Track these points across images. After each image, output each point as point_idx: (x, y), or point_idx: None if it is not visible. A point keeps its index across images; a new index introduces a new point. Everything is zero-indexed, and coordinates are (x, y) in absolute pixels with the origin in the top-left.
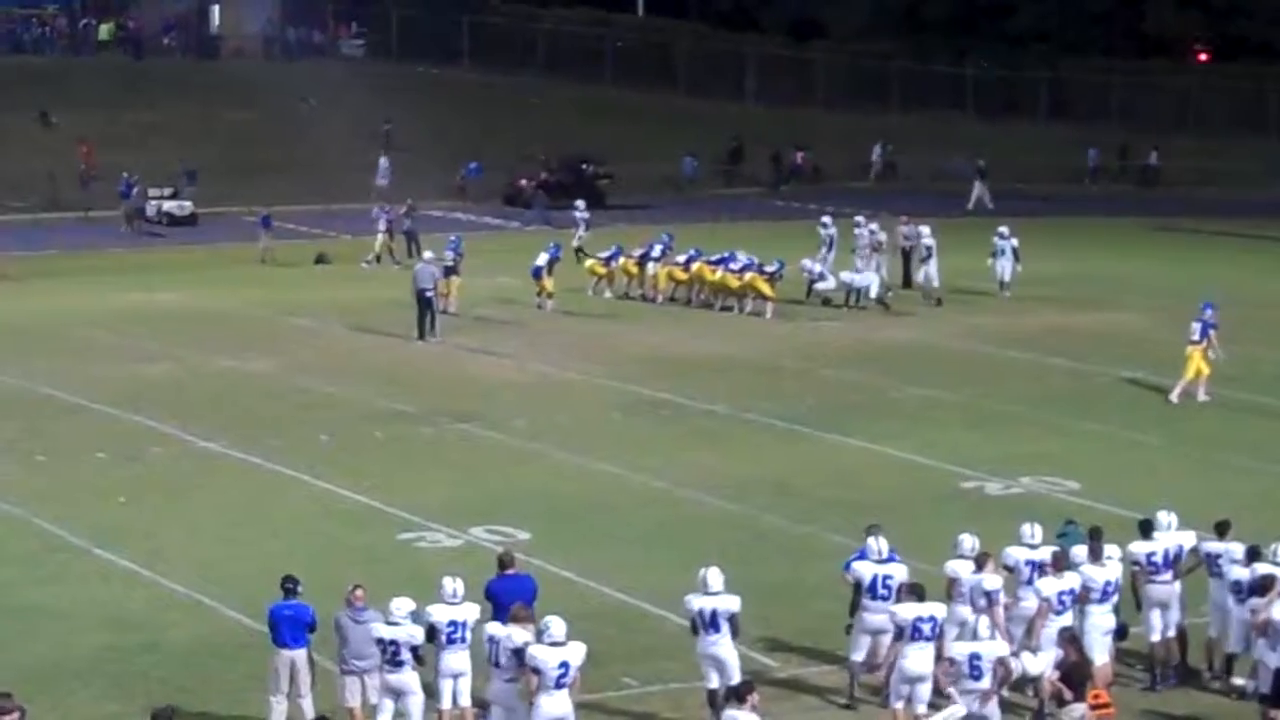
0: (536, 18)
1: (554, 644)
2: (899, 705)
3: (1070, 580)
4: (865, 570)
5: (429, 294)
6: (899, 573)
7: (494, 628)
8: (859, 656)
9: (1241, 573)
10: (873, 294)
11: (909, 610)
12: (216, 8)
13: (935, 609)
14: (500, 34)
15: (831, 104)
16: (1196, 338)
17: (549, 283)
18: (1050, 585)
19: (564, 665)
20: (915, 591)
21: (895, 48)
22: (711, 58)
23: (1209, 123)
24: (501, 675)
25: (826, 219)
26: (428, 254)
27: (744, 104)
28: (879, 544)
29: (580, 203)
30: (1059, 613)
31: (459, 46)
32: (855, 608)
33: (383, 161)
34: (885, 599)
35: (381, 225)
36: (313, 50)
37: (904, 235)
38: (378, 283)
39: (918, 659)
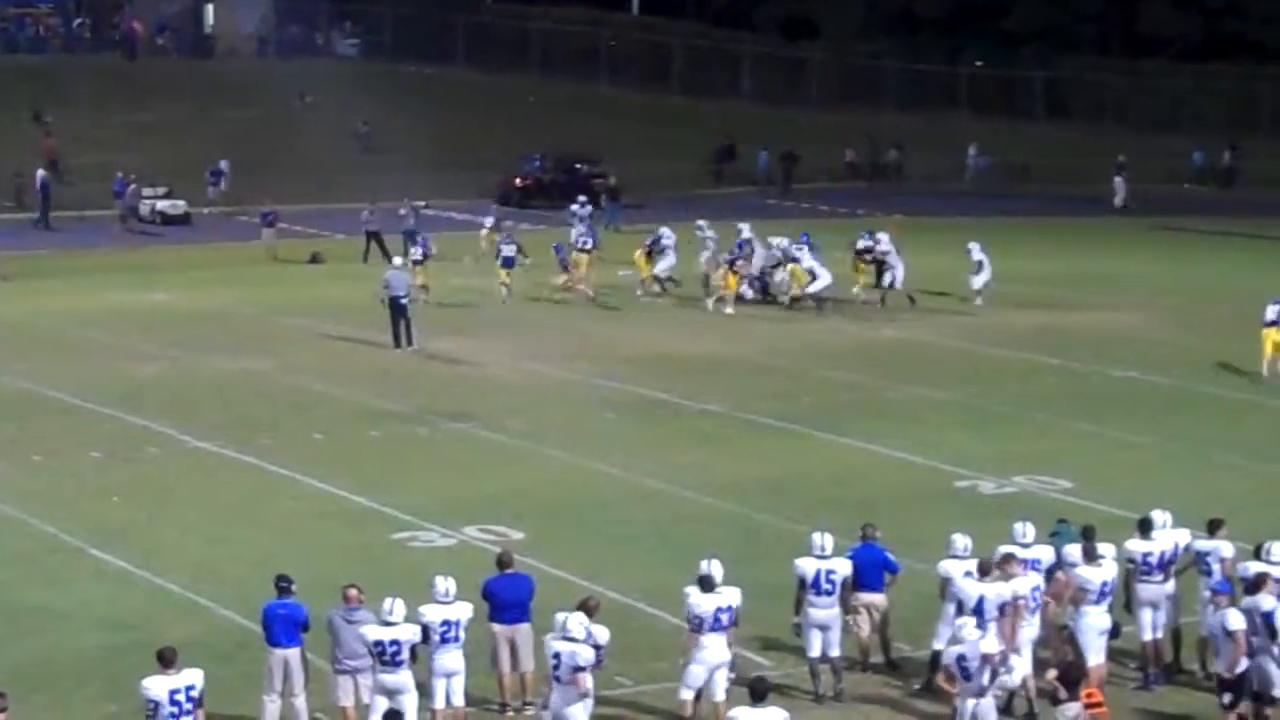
0: (531, 17)
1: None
2: (688, 695)
3: (1035, 578)
4: (808, 566)
5: (403, 300)
6: (842, 568)
7: (557, 643)
8: (815, 652)
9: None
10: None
11: (708, 603)
12: (210, 7)
13: (732, 597)
14: (495, 33)
15: (826, 103)
16: (1273, 318)
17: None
18: (1024, 584)
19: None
20: (705, 584)
21: (889, 47)
22: (706, 57)
23: (1202, 122)
24: (561, 688)
25: (702, 222)
26: (398, 260)
27: (739, 103)
28: (824, 540)
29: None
30: (1033, 610)
31: (454, 46)
32: (799, 604)
33: (223, 164)
34: (829, 594)
35: (372, 226)
36: (307, 50)
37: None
38: (372, 282)
39: (716, 648)
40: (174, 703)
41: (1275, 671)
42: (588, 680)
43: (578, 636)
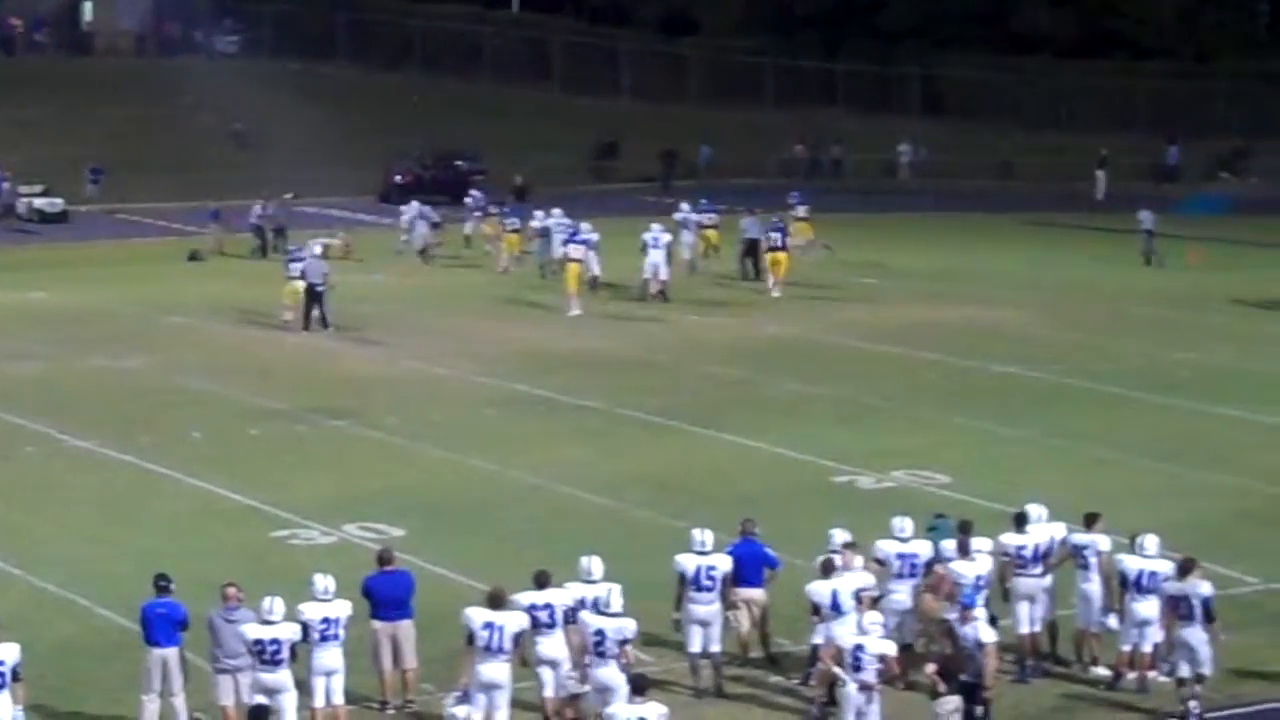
0: (412, 14)
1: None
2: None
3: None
4: (688, 562)
5: (319, 288)
6: (722, 564)
7: (596, 619)
8: (695, 648)
9: (1175, 587)
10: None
11: (525, 598)
12: (88, 4)
13: (553, 596)
14: (376, 30)
15: (704, 100)
16: (777, 244)
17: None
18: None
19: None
20: (537, 580)
21: (768, 44)
22: (586, 54)
23: (1080, 119)
24: (605, 663)
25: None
26: (316, 248)
27: (619, 99)
28: (704, 536)
29: (474, 193)
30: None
31: (335, 43)
32: (680, 600)
33: None
34: (710, 589)
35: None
36: (187, 47)
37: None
38: (251, 279)
39: (549, 645)
40: None
41: (1206, 651)
42: (632, 653)
43: (618, 611)
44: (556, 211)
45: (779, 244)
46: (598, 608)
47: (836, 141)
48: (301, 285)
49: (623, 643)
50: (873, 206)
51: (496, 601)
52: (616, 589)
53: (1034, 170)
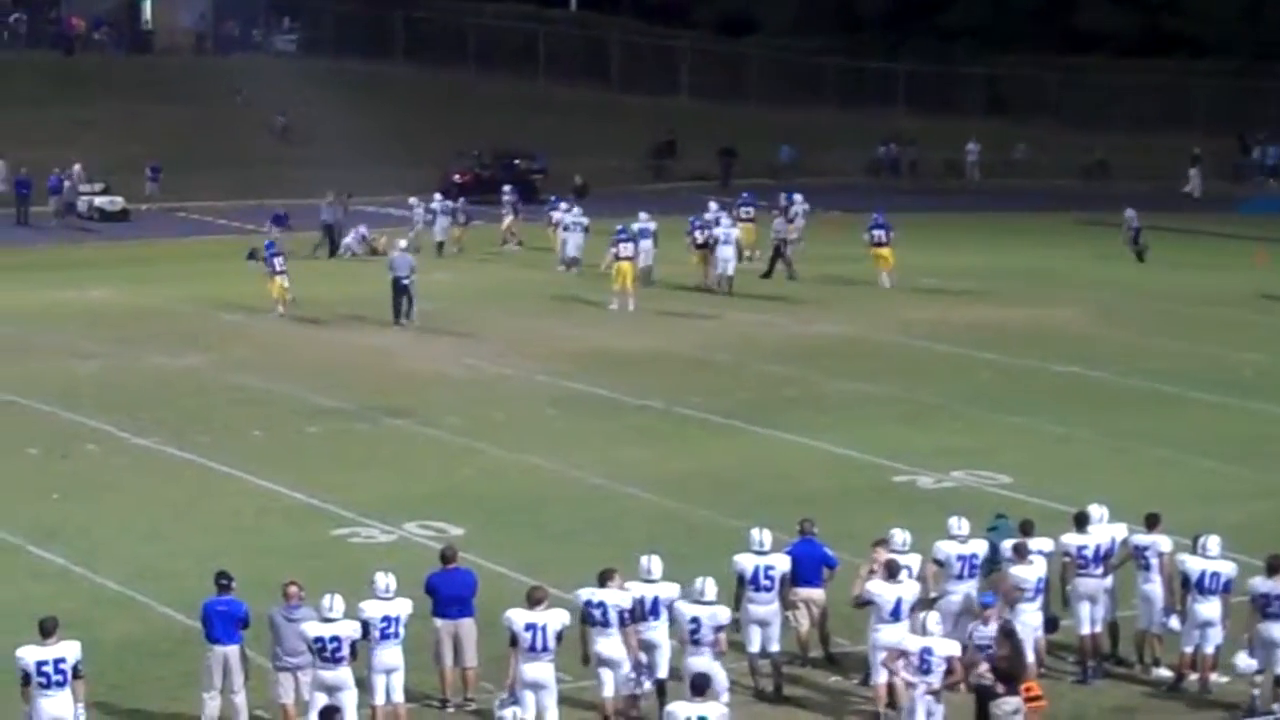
0: (470, 13)
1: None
2: (608, 695)
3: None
4: (746, 562)
5: (405, 281)
6: (781, 564)
7: (692, 608)
8: (754, 648)
9: (1266, 585)
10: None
11: (585, 593)
12: (148, 2)
13: (609, 596)
14: (434, 29)
15: (764, 100)
16: (881, 240)
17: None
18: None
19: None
20: (600, 577)
21: (828, 43)
22: (644, 53)
23: (1139, 118)
24: (700, 651)
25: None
26: (402, 243)
27: (677, 99)
28: (762, 535)
29: (507, 188)
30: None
31: (392, 41)
32: (739, 600)
33: (76, 167)
34: (768, 589)
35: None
36: (246, 45)
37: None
38: (311, 278)
39: (607, 645)
40: (41, 673)
41: None
42: (724, 640)
43: (712, 599)
44: (575, 210)
45: (883, 239)
46: (691, 598)
47: (910, 142)
48: (286, 280)
49: (717, 629)
50: (935, 205)
51: (535, 601)
52: (710, 580)
53: (1098, 169)
